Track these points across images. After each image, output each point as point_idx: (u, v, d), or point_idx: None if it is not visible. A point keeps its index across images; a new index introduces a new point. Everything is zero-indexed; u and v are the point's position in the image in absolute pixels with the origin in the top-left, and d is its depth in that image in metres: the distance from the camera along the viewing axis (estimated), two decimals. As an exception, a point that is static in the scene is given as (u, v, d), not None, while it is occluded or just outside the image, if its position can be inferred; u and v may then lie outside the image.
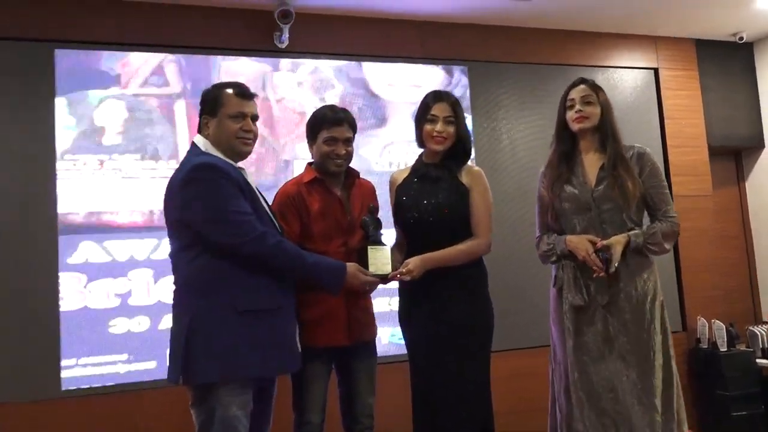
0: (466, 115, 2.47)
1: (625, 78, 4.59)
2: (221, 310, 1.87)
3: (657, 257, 2.31)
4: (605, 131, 2.34)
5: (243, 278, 1.90)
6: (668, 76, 4.65)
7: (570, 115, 2.34)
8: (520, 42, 4.30)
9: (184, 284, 1.95)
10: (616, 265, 2.19)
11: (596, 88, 2.37)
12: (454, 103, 2.31)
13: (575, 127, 2.34)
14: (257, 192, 2.08)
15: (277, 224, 2.10)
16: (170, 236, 2.00)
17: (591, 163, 2.35)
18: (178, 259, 1.97)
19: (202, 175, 1.90)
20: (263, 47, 3.71)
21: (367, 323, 2.33)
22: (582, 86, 2.37)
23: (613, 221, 2.28)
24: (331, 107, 2.34)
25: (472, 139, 2.57)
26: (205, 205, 1.89)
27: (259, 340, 1.89)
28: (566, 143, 2.37)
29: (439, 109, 2.29)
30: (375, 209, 2.30)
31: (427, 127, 2.29)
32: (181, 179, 1.93)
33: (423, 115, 2.31)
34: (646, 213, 2.38)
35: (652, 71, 4.64)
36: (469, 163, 2.37)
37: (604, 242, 2.21)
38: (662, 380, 2.21)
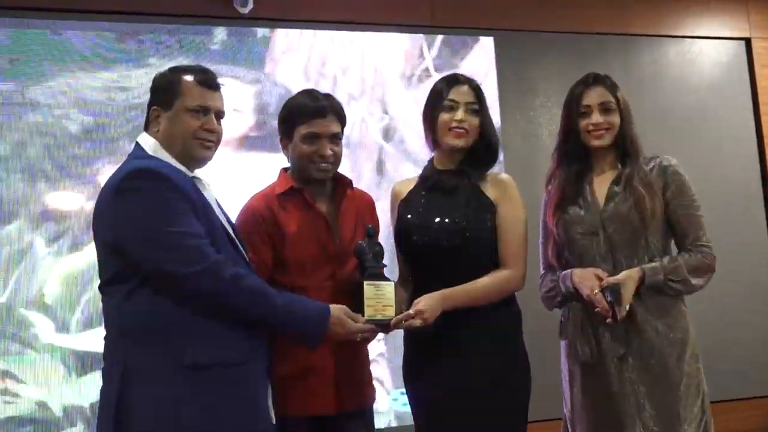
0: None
1: (707, 51, 4.71)
2: (162, 362, 1.90)
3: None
4: (625, 143, 2.46)
5: (192, 321, 1.94)
6: (764, 49, 4.76)
7: (585, 125, 2.45)
8: (565, 6, 4.40)
9: (115, 328, 1.99)
10: (627, 307, 2.27)
11: (615, 89, 2.48)
12: (477, 87, 2.40)
13: (594, 143, 2.45)
14: (217, 209, 2.14)
15: (244, 253, 2.15)
16: (99, 264, 2.03)
17: (603, 179, 2.48)
18: (108, 294, 2.01)
19: (139, 184, 1.95)
20: (218, 13, 3.82)
21: (361, 384, 2.37)
22: (599, 88, 2.46)
23: (628, 248, 2.39)
24: (310, 93, 2.39)
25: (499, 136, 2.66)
26: (140, 222, 1.93)
27: (211, 405, 1.92)
28: (579, 160, 2.49)
29: (459, 94, 2.36)
30: (374, 231, 2.33)
31: (444, 116, 2.35)
32: (112, 189, 1.98)
33: (437, 103, 2.37)
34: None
35: (743, 42, 4.76)
36: (496, 168, 2.46)
37: (611, 279, 2.30)
38: None
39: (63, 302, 3.42)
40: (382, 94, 4.06)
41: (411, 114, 4.00)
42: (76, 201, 3.53)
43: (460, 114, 2.33)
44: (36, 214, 3.45)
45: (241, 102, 3.74)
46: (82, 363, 3.38)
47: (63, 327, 3.41)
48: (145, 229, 1.93)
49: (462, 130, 2.34)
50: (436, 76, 3.82)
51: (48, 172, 3.47)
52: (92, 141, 3.49)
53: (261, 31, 3.92)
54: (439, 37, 4.19)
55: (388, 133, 4.06)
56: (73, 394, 3.35)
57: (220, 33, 3.81)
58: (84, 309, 3.37)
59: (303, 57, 3.93)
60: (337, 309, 2.11)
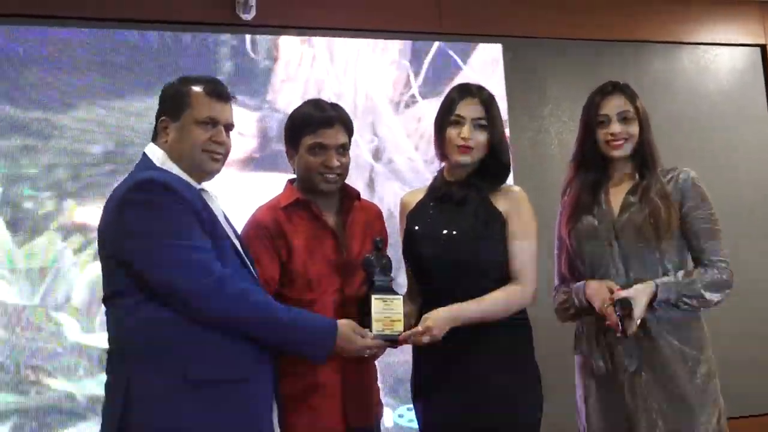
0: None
1: (720, 58, 4.76)
2: (166, 379, 1.93)
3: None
4: (644, 153, 2.49)
5: (196, 337, 1.96)
6: (781, 56, 4.78)
7: (603, 134, 2.48)
8: (575, 11, 4.43)
9: (118, 344, 2.02)
10: (638, 322, 2.29)
11: (634, 98, 2.51)
12: (488, 101, 2.41)
13: (613, 153, 2.48)
14: (224, 222, 2.17)
15: (252, 269, 2.17)
16: (103, 277, 2.08)
17: (619, 189, 2.52)
18: (112, 308, 2.05)
19: (145, 196, 1.97)
20: (221, 20, 3.87)
21: (369, 401, 2.40)
22: (618, 97, 2.50)
23: (641, 260, 2.42)
24: (317, 103, 2.42)
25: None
26: (145, 235, 1.96)
27: (215, 421, 1.95)
28: (597, 170, 2.53)
29: (467, 108, 2.38)
30: (382, 244, 2.34)
31: (451, 131, 2.37)
32: (117, 201, 2.01)
33: (445, 116, 2.40)
34: None
35: (758, 49, 4.80)
36: (508, 181, 2.48)
37: (622, 293, 2.32)
38: None
39: (88, 305, 3.87)
40: (373, 118, 4.40)
41: (398, 136, 4.44)
42: (99, 216, 3.76)
43: (465, 131, 2.35)
44: (64, 228, 3.89)
45: (245, 127, 4.12)
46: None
47: (88, 327, 3.86)
48: (150, 242, 1.95)
49: (466, 148, 2.36)
50: (422, 102, 4.32)
51: (74, 190, 3.91)
52: (113, 162, 3.93)
53: (264, 63, 4.18)
54: (425, 65, 4.40)
55: (377, 154, 4.40)
56: (96, 386, 3.72)
57: (228, 67, 4.12)
58: (106, 311, 3.81)
59: (300, 86, 4.26)
60: (344, 324, 2.13)
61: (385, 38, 4.19)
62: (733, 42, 4.77)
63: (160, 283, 1.95)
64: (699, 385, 2.36)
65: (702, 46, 4.72)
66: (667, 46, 4.64)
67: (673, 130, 4.40)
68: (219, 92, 2.15)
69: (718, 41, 4.75)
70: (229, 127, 2.17)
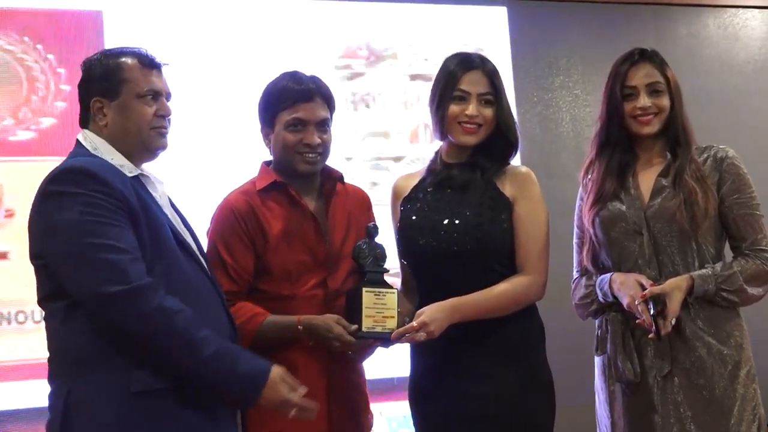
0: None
1: (751, 23, 4.75)
2: (107, 389, 1.93)
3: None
4: (676, 129, 2.49)
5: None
6: (821, 20, 4.79)
7: (630, 109, 2.47)
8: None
9: (56, 352, 2.03)
10: (673, 321, 2.29)
11: (664, 67, 2.51)
12: (493, 73, 2.41)
13: (643, 130, 2.48)
14: (169, 211, 2.16)
15: (207, 270, 2.16)
16: (36, 280, 2.07)
17: (649, 171, 2.52)
18: (47, 311, 2.06)
19: (64, 188, 1.97)
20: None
21: (357, 407, 2.41)
22: (647, 66, 2.49)
23: (675, 251, 2.42)
24: (294, 75, 2.42)
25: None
26: (57, 230, 1.95)
27: None
28: (623, 150, 2.52)
29: (472, 82, 2.37)
30: (376, 230, 2.36)
31: (454, 108, 2.37)
32: (38, 193, 2.02)
33: (447, 90, 2.39)
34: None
35: (796, 11, 4.78)
36: (514, 161, 2.48)
37: (655, 288, 2.32)
38: None
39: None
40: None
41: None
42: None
43: (471, 108, 2.35)
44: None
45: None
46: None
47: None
48: (63, 238, 1.95)
49: (473, 126, 2.36)
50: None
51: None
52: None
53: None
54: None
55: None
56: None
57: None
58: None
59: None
60: (277, 373, 2.01)
61: (384, 1, 4.24)
62: (765, 4, 4.76)
63: (72, 285, 1.95)
64: (739, 391, 2.36)
65: (731, 9, 4.70)
66: (691, 9, 4.63)
67: (697, 105, 4.25)
68: (152, 61, 2.16)
69: (749, 4, 4.73)
70: (168, 97, 2.19)
